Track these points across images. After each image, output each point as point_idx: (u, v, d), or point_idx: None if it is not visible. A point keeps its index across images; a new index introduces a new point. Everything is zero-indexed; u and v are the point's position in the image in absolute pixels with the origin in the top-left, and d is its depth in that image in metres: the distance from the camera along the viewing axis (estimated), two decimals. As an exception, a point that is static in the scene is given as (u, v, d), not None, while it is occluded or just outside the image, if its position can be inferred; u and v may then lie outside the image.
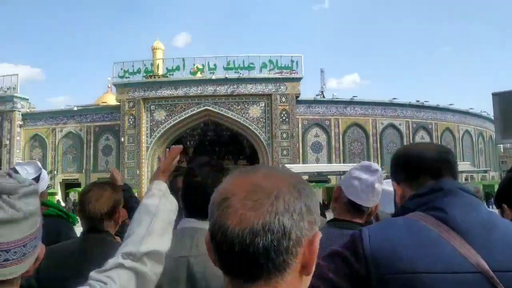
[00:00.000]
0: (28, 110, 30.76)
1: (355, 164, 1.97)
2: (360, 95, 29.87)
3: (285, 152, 26.79)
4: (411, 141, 29.69)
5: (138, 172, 27.11)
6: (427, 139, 30.62)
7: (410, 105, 30.37)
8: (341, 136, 28.52)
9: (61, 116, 30.42)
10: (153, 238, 1.19)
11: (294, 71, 27.78)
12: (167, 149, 1.54)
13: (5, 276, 0.81)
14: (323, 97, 31.31)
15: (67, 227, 2.64)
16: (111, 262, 1.12)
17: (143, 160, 27.40)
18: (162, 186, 1.39)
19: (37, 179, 2.73)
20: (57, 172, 29.38)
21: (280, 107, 27.12)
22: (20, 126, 30.18)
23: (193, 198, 1.56)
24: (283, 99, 27.21)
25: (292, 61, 27.90)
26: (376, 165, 1.86)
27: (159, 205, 1.29)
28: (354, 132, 28.91)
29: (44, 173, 2.89)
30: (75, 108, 30.56)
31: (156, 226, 1.23)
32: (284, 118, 27.10)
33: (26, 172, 2.69)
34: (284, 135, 26.98)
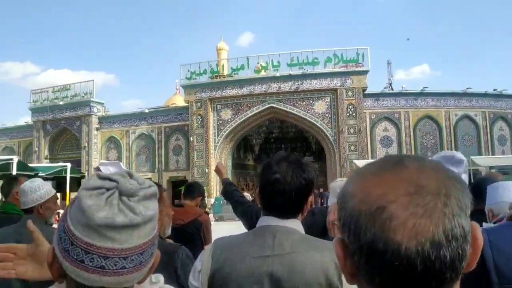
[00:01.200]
0: (103, 114, 32.58)
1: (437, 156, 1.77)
2: (431, 86, 28.51)
3: (352, 148, 26.22)
4: (489, 133, 27.91)
5: (206, 170, 27.78)
6: (506, 130, 28.61)
7: (487, 94, 28.45)
8: (411, 130, 27.39)
9: (133, 118, 31.90)
10: None
11: (360, 64, 27.07)
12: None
13: (120, 284, 0.77)
14: (391, 89, 30.26)
15: None
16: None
17: (211, 159, 28.04)
18: None
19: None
20: (131, 172, 30.83)
21: (346, 101, 26.57)
22: (97, 129, 32.03)
23: (271, 196, 1.50)
24: (349, 93, 26.64)
25: (357, 54, 27.21)
26: (460, 155, 1.66)
27: None
28: (425, 125, 27.65)
29: None
30: (146, 111, 31.91)
31: None
32: (350, 112, 26.52)
33: (109, 173, 2.81)
34: (351, 130, 26.41)
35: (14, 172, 12.69)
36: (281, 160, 1.53)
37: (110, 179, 0.79)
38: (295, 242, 1.43)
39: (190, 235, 3.66)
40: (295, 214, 1.53)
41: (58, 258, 0.77)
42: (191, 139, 28.61)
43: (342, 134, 26.31)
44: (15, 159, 13.78)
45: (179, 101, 34.19)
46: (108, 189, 0.77)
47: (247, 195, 22.93)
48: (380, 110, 27.68)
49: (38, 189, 2.88)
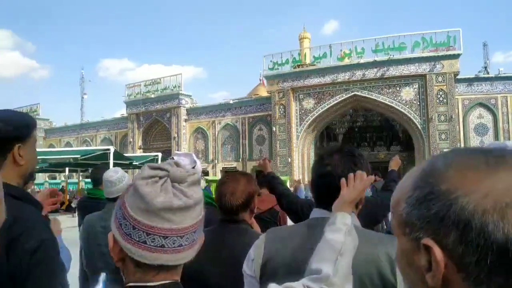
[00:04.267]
0: (191, 106, 33.98)
1: None
2: (534, 68, 25.81)
3: (443, 136, 24.75)
4: None
5: (289, 160, 27.90)
6: None
7: None
8: (510, 116, 25.19)
9: (219, 109, 32.90)
10: (338, 281, 1.13)
11: (452, 47, 25.33)
12: (355, 174, 1.35)
13: (178, 261, 0.86)
14: (487, 73, 27.98)
15: (216, 214, 2.83)
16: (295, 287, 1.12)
17: (294, 148, 28.09)
18: (347, 220, 1.26)
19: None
20: (217, 161, 31.97)
21: (436, 87, 25.08)
22: (185, 120, 33.54)
23: (323, 189, 1.49)
24: (440, 79, 25.09)
25: (448, 37, 25.46)
26: None
27: (344, 242, 1.19)
28: (527, 111, 25.30)
29: (198, 164, 3.13)
30: (231, 102, 32.74)
31: (341, 266, 1.15)
32: (441, 99, 25.01)
33: (182, 163, 2.97)
34: (442, 118, 24.91)
35: (111, 161, 13.75)
36: (333, 152, 1.51)
37: (161, 169, 0.88)
38: None
39: (266, 223, 3.73)
40: None
41: (118, 242, 0.87)
42: (274, 129, 28.86)
43: (431, 122, 24.94)
44: (112, 149, 14.90)
45: (262, 91, 34.62)
46: (160, 177, 0.86)
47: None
48: (474, 96, 25.80)
49: (124, 179, 3.12)
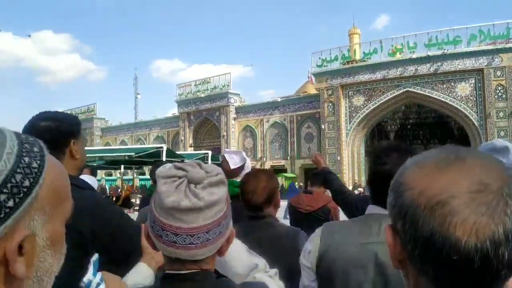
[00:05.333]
0: (240, 104, 34.36)
1: None
2: None
3: (502, 134, 23.55)
4: None
5: (338, 158, 27.55)
6: None
7: None
8: None
9: (267, 107, 33.06)
10: (264, 264, 1.28)
11: (512, 40, 24.07)
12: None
13: (191, 257, 0.90)
14: (552, 66, 26.36)
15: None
16: (261, 276, 1.21)
17: (343, 146, 27.71)
18: None
19: (242, 167, 3.04)
20: (265, 159, 32.13)
21: (494, 82, 23.92)
22: (234, 118, 33.97)
23: (380, 187, 1.49)
24: (498, 73, 23.90)
25: (508, 29, 24.17)
26: (501, 142, 1.38)
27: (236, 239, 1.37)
28: None
29: (248, 162, 3.18)
30: (279, 100, 32.81)
31: (255, 253, 1.33)
32: (500, 94, 23.83)
33: (233, 161, 3.03)
34: (501, 114, 23.73)
35: (164, 158, 14.20)
36: (391, 150, 1.51)
37: (182, 169, 0.92)
38: None
39: (319, 221, 3.72)
40: None
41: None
42: (323, 126, 28.60)
43: (489, 118, 23.82)
44: (164, 147, 15.39)
45: (310, 89, 34.42)
46: (179, 177, 0.90)
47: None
48: (536, 90, 24.39)
49: None
